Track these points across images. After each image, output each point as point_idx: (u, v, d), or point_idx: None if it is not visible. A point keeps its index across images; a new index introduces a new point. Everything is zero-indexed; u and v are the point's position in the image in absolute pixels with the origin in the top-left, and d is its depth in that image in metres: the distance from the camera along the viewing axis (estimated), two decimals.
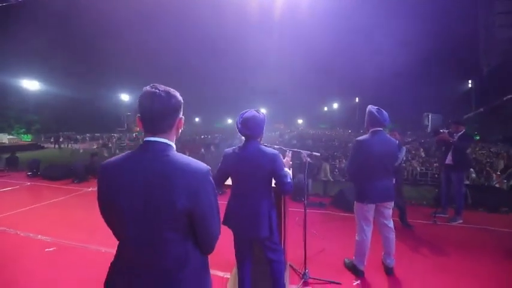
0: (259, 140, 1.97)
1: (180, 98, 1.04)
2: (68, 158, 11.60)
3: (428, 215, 4.24)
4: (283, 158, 2.13)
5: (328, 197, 5.62)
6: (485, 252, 3.15)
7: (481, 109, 24.20)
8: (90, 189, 6.08)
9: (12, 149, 12.76)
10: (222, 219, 2.00)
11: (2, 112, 23.82)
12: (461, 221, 4.00)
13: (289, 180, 1.90)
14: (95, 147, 20.43)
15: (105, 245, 3.01)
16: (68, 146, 21.34)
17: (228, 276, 2.60)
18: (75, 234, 3.49)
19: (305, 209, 2.62)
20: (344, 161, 11.36)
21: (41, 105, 25.18)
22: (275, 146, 2.29)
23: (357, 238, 2.64)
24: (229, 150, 1.99)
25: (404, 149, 3.81)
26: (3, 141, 17.35)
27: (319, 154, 2.72)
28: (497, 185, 7.59)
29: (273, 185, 1.98)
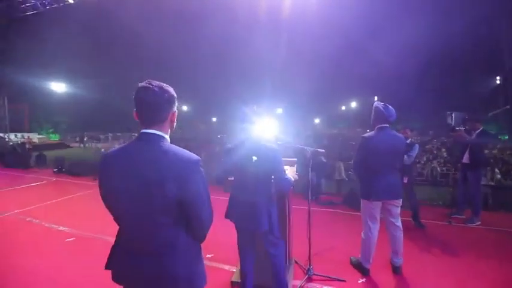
0: (262, 136, 2.01)
1: (173, 92, 1.11)
2: (91, 156, 12.21)
3: (444, 216, 4.09)
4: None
5: (341, 196, 5.55)
6: (501, 255, 3.00)
7: (508, 106, 22.65)
8: None
9: (41, 147, 13.72)
10: (225, 213, 2.07)
11: (33, 113, 25.52)
12: (479, 223, 3.82)
13: (286, 177, 1.97)
14: (116, 146, 21.29)
15: None
16: (91, 145, 22.45)
17: (234, 270, 2.67)
18: (93, 226, 3.70)
19: (309, 206, 2.63)
20: None
21: (68, 107, 26.60)
22: (278, 142, 2.33)
23: (362, 236, 2.61)
24: (230, 145, 2.05)
25: (417, 146, 3.70)
26: (34, 141, 18.53)
27: (323, 150, 2.72)
28: None
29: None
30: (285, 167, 2.04)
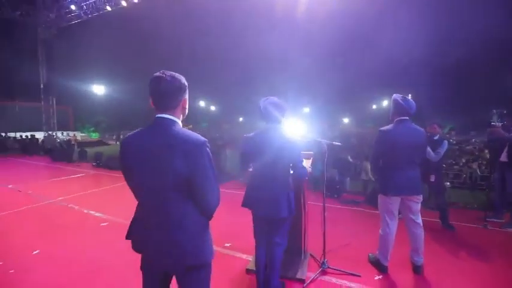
0: (279, 126, 2.04)
1: (184, 81, 1.22)
2: None
3: (480, 219, 3.78)
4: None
5: (364, 195, 5.38)
6: None
7: None
8: None
9: (83, 144, 15.10)
10: (242, 202, 2.14)
11: (77, 114, 28.03)
12: None
13: (305, 168, 2.01)
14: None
15: None
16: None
17: (250, 259, 2.75)
18: (124, 213, 4.01)
19: (323, 199, 2.61)
20: None
21: (107, 107, 28.75)
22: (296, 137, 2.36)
23: (380, 232, 2.54)
24: (250, 134, 2.10)
25: (445, 143, 3.48)
26: (78, 138, 20.36)
27: (340, 144, 2.69)
28: None
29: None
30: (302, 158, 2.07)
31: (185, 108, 1.27)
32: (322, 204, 2.57)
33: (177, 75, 1.20)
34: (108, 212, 4.23)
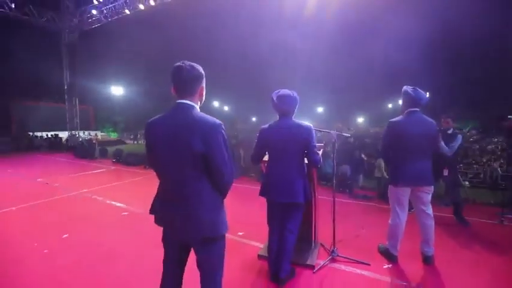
0: (292, 116, 2.15)
1: (201, 70, 1.36)
2: (142, 150, 13.59)
3: (497, 215, 3.72)
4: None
5: (376, 191, 5.36)
6: None
7: None
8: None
9: (103, 143, 15.80)
10: (259, 191, 2.24)
11: (97, 114, 29.22)
12: None
13: (318, 152, 2.11)
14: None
15: None
16: (143, 141, 24.82)
17: (261, 246, 2.86)
18: (142, 204, 4.25)
19: (333, 191, 2.67)
20: None
21: (125, 108, 29.74)
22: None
23: (390, 222, 2.57)
24: (265, 125, 2.22)
25: (460, 137, 3.45)
26: (98, 138, 21.24)
27: (349, 135, 2.75)
28: None
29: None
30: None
31: (202, 95, 1.41)
32: (333, 198, 2.63)
33: (195, 65, 1.34)
34: (128, 202, 4.49)
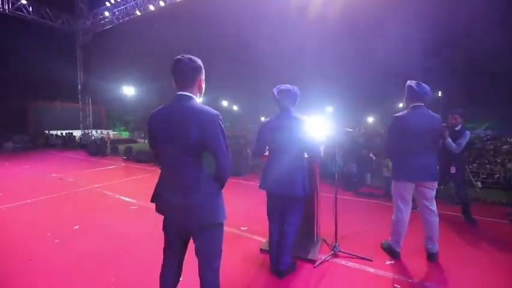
0: (292, 110, 2.17)
1: (200, 63, 1.40)
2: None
3: (506, 214, 3.62)
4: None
5: (383, 189, 5.29)
6: None
7: None
8: None
9: (115, 141, 16.22)
10: (259, 184, 2.28)
11: (109, 114, 29.96)
12: None
13: (318, 147, 2.13)
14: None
15: None
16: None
17: (264, 241, 2.90)
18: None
19: (336, 188, 2.68)
20: None
21: (136, 108, 30.33)
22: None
23: (393, 218, 2.56)
24: (266, 119, 2.26)
25: (467, 134, 3.37)
26: (110, 136, 21.79)
27: (351, 130, 2.75)
28: None
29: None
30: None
31: (202, 87, 1.46)
32: (340, 196, 2.63)
33: (194, 57, 1.39)
34: (136, 197, 4.61)
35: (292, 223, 2.21)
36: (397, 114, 2.48)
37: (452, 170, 3.42)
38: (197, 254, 1.45)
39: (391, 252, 2.59)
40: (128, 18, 12.68)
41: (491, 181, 8.50)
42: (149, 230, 3.19)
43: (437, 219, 2.47)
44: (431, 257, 2.49)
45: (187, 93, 1.38)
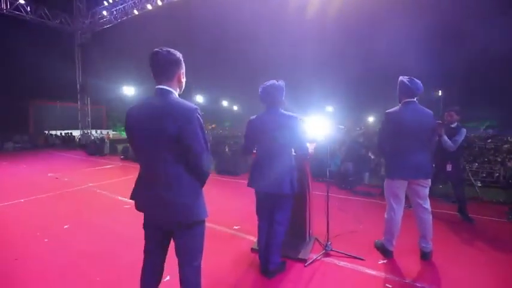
0: (279, 107, 2.12)
1: (178, 55, 1.36)
2: None
3: (504, 213, 3.57)
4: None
5: (380, 188, 5.25)
6: None
7: None
8: None
9: (114, 142, 16.22)
10: (247, 183, 2.25)
11: (109, 114, 30.00)
12: None
13: (305, 144, 2.09)
14: None
15: None
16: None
17: (255, 240, 2.85)
18: None
19: (328, 186, 2.63)
20: None
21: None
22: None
23: (386, 216, 2.51)
24: (253, 116, 2.21)
25: (464, 131, 3.32)
26: (110, 136, 21.79)
27: (343, 127, 2.70)
28: None
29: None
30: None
31: (181, 81, 1.41)
32: (332, 194, 2.58)
33: (172, 50, 1.34)
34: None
35: (281, 221, 2.17)
36: (390, 110, 2.43)
37: (449, 167, 3.37)
38: (177, 252, 1.40)
39: (384, 251, 2.54)
40: (126, 17, 12.67)
41: (490, 180, 8.43)
42: (142, 229, 3.15)
43: (431, 217, 2.42)
44: (424, 257, 2.44)
45: (165, 87, 1.33)
